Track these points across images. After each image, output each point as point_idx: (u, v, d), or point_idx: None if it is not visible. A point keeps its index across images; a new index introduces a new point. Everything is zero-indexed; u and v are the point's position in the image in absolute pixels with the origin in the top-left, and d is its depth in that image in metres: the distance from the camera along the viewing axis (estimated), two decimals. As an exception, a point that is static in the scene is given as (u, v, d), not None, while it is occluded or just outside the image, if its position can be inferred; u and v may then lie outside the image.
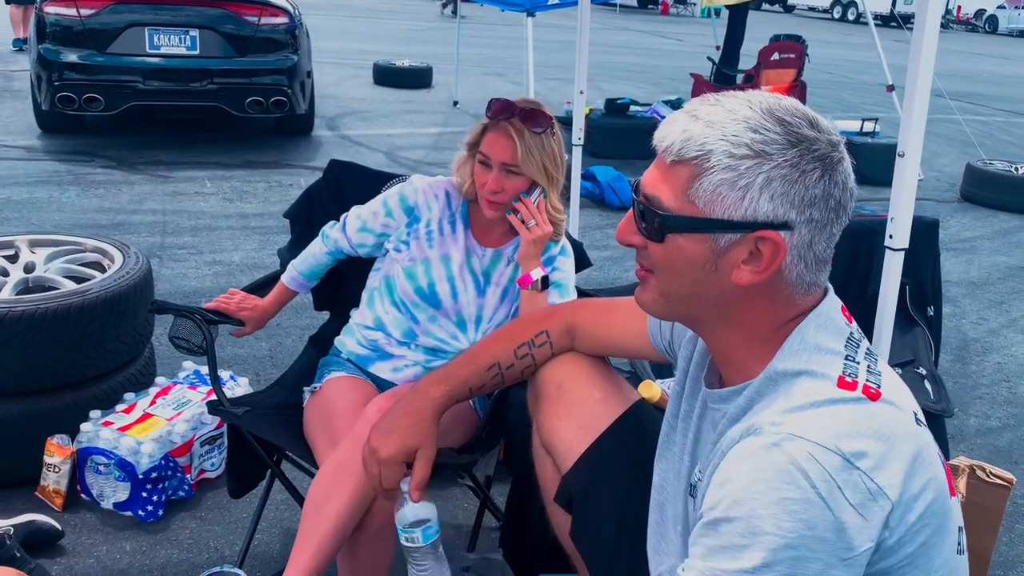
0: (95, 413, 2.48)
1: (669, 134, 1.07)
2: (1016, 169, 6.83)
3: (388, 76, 10.06)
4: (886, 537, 0.99)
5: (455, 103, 9.01)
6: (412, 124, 8.11)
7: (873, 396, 1.04)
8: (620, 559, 1.42)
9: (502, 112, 1.93)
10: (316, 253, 2.17)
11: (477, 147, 1.98)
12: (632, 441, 1.47)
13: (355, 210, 2.13)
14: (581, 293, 2.17)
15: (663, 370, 2.50)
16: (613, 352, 1.65)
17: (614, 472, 1.45)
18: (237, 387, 2.75)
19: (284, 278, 2.20)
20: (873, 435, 1.00)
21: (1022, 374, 3.83)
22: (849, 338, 1.11)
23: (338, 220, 2.17)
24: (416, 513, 1.50)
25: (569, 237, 2.20)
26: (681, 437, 1.30)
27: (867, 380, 1.06)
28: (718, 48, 9.14)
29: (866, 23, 7.31)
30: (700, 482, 1.17)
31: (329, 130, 7.50)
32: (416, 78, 10.12)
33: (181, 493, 2.45)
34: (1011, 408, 3.49)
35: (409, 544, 1.50)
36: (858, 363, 1.08)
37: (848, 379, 1.05)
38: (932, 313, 2.28)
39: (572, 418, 1.49)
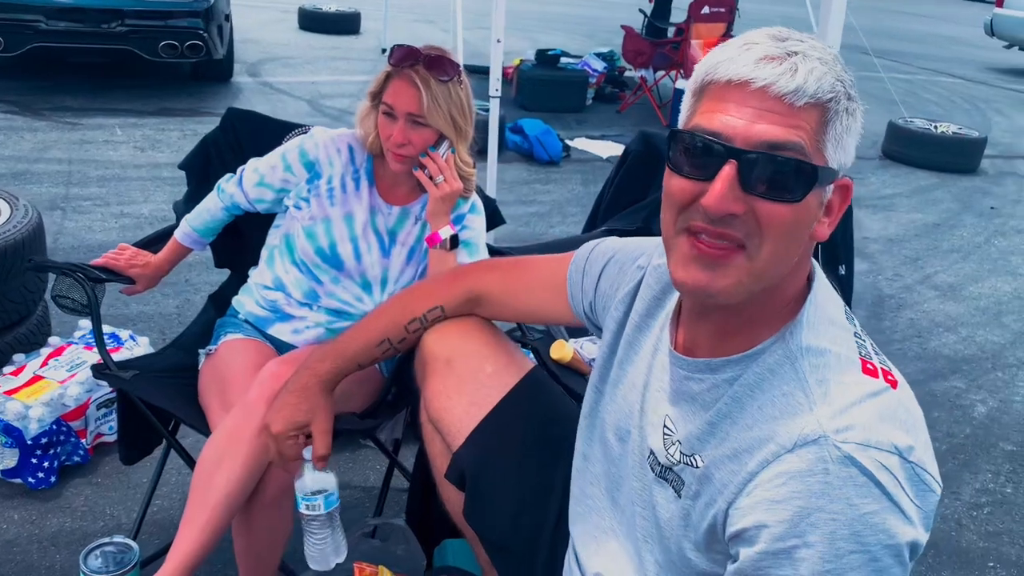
0: (-21, 375, 2.34)
1: (792, 72, 0.93)
2: (935, 127, 6.96)
3: (314, 21, 9.72)
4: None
5: (384, 51, 8.74)
6: (338, 71, 7.87)
7: (893, 384, 1.00)
8: (517, 535, 1.38)
9: (405, 59, 1.83)
10: (211, 208, 2.05)
11: (380, 97, 1.87)
12: (526, 413, 1.42)
13: (252, 163, 2.01)
14: (496, 252, 2.10)
15: (576, 330, 2.47)
16: (523, 319, 1.59)
17: (508, 447, 1.39)
18: (137, 347, 2.62)
19: (177, 234, 2.08)
20: (909, 426, 0.97)
21: (933, 330, 3.92)
22: (845, 310, 1.07)
23: (235, 173, 2.05)
24: (316, 482, 1.47)
25: (481, 193, 2.12)
26: (620, 405, 1.22)
27: (881, 364, 1.02)
28: (651, 1, 9.06)
29: (796, -22, 7.31)
30: (690, 467, 1.07)
31: (250, 76, 7.22)
32: (343, 24, 9.80)
33: (76, 458, 2.34)
34: (921, 363, 3.58)
35: (309, 512, 1.48)
36: (864, 340, 1.04)
37: (868, 364, 1.01)
38: (843, 272, 2.28)
39: (462, 395, 1.42)
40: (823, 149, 0.96)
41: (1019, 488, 2.78)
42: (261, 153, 2.04)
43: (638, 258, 1.29)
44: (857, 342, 1.03)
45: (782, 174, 0.94)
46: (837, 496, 0.91)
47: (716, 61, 0.97)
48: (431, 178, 1.90)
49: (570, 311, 1.39)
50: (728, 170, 0.93)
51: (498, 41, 3.30)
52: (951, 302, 4.26)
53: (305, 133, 2.04)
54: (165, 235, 2.14)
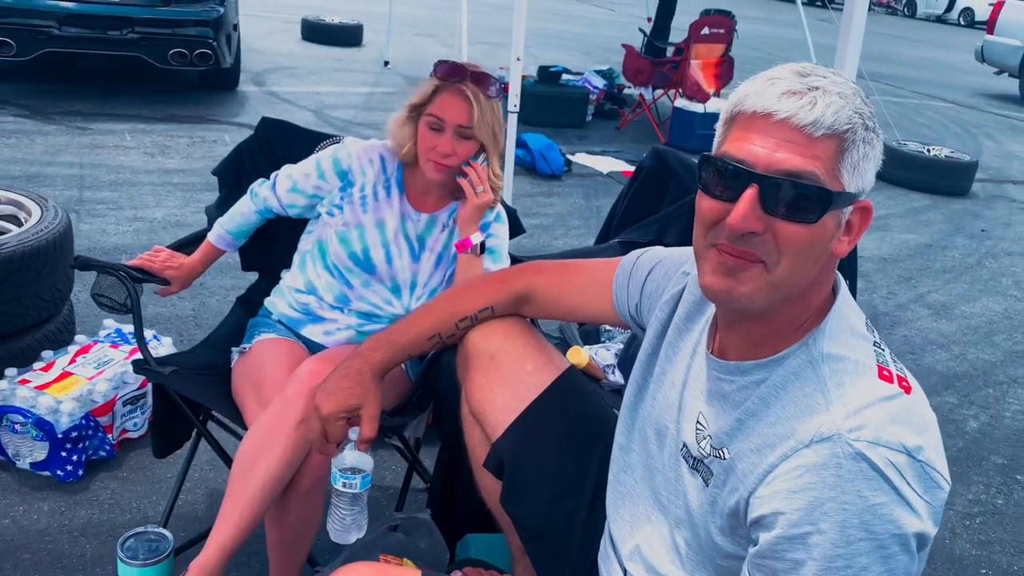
0: (11, 371, 2.41)
1: (812, 106, 1.03)
2: (928, 150, 7.11)
3: (317, 32, 9.83)
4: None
5: (386, 63, 8.87)
6: (342, 83, 7.96)
7: (907, 390, 1.09)
8: (552, 522, 1.45)
9: (454, 74, 1.92)
10: (244, 211, 2.14)
11: (422, 109, 1.96)
12: (562, 408, 1.50)
13: (286, 169, 2.10)
14: (514, 259, 2.19)
15: (589, 337, 2.56)
16: (567, 318, 1.68)
17: (545, 438, 1.48)
18: (160, 347, 2.70)
19: (211, 236, 2.17)
20: (920, 428, 1.05)
21: (926, 347, 4.03)
22: (866, 321, 1.16)
23: (268, 178, 2.13)
24: (356, 460, 1.54)
25: (503, 203, 2.21)
26: (660, 401, 1.31)
27: (898, 372, 1.11)
28: (650, 20, 9.19)
29: (793, 1, 7.45)
30: (718, 459, 1.16)
31: (255, 85, 7.31)
32: (346, 36, 9.91)
33: (102, 453, 2.41)
34: (916, 379, 3.67)
35: (344, 489, 1.54)
36: (883, 349, 1.14)
37: (885, 370, 1.09)
38: (847, 287, 2.38)
39: (504, 389, 1.51)
40: (839, 176, 1.05)
41: (1010, 500, 2.88)
42: (293, 160, 2.13)
43: (684, 263, 1.38)
44: (875, 351, 1.13)
45: (799, 198, 1.04)
46: (848, 488, 1.01)
47: (745, 94, 1.08)
48: (473, 187, 1.99)
49: (612, 311, 1.49)
50: (750, 193, 1.04)
51: (518, 59, 3.40)
52: (944, 320, 4.38)
53: (337, 143, 2.13)
54: (197, 238, 2.22)
